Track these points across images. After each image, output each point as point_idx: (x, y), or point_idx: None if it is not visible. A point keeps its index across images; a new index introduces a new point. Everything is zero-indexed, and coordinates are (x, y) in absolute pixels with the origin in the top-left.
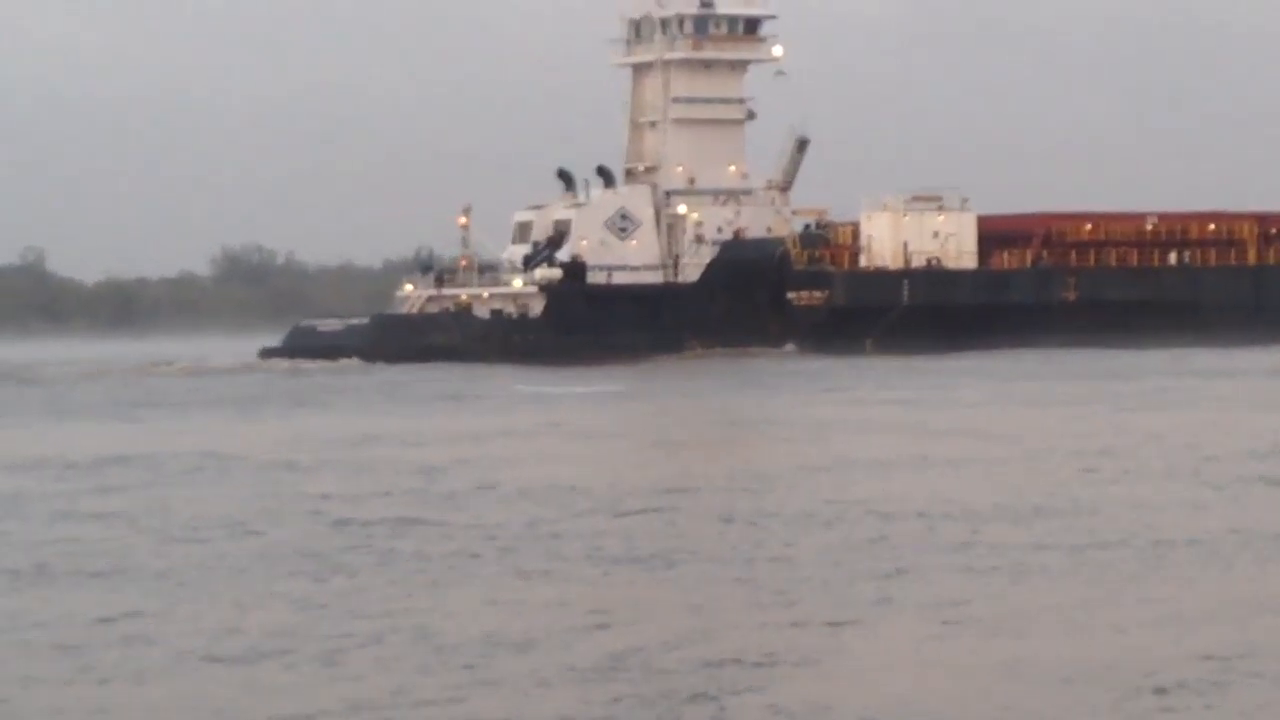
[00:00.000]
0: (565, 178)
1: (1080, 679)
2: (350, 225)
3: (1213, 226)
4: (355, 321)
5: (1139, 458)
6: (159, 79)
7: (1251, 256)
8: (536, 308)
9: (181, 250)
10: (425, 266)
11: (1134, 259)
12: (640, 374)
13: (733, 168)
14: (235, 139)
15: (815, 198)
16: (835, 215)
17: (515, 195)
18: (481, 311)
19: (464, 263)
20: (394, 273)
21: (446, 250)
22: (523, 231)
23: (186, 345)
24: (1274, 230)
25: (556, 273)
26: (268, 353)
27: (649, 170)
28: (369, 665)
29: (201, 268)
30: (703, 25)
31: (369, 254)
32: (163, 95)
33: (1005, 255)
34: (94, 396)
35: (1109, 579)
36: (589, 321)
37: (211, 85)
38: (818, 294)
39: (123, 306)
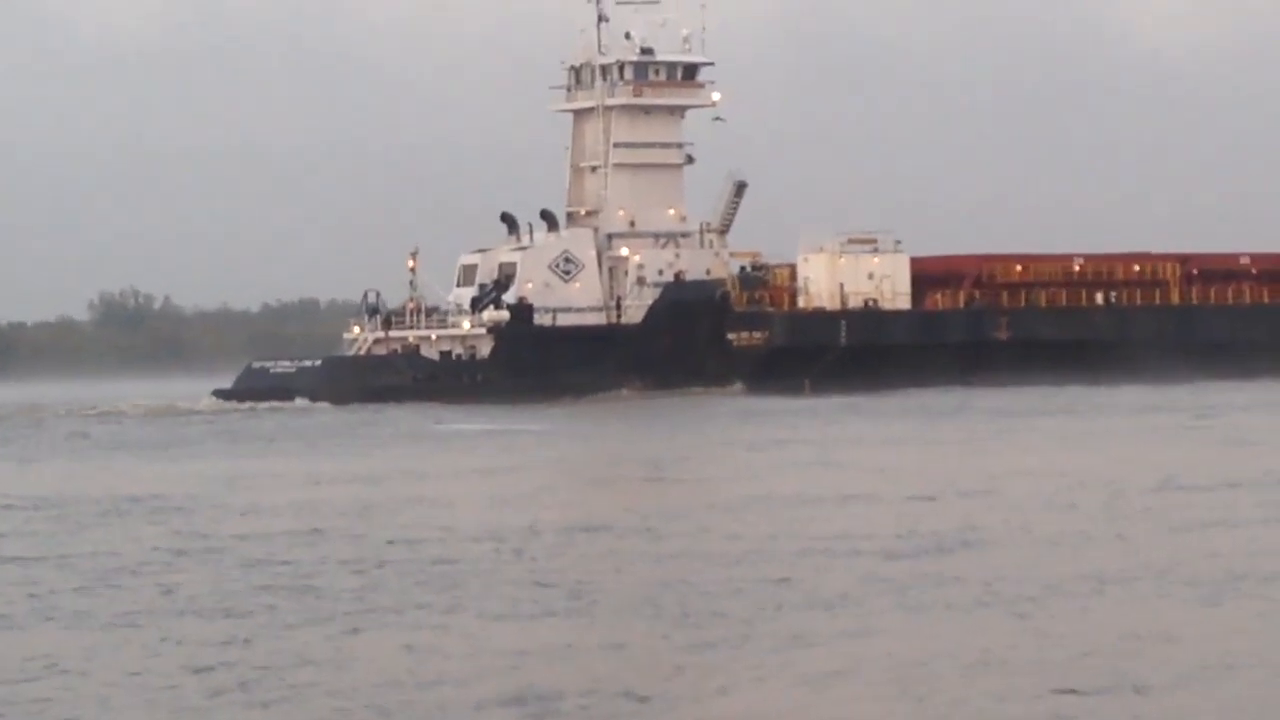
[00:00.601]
0: (509, 221)
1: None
2: (230, 269)
3: (1138, 268)
4: (308, 363)
5: (1008, 496)
6: (38, 123)
7: (1175, 296)
8: (485, 349)
9: (60, 295)
10: (372, 309)
11: (1063, 299)
12: (568, 414)
13: (672, 211)
14: (119, 185)
15: (748, 240)
16: (769, 257)
17: (455, 239)
18: (430, 353)
19: (411, 305)
20: (274, 316)
21: (337, 292)
22: (467, 274)
23: (69, 390)
24: (1195, 271)
25: (504, 314)
26: (221, 394)
27: (590, 214)
28: (276, 702)
29: (80, 312)
30: (643, 71)
31: (246, 299)
32: (39, 140)
33: (939, 296)
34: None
35: (994, 614)
36: (536, 362)
37: (95, 132)
38: (758, 335)
39: (1, 352)
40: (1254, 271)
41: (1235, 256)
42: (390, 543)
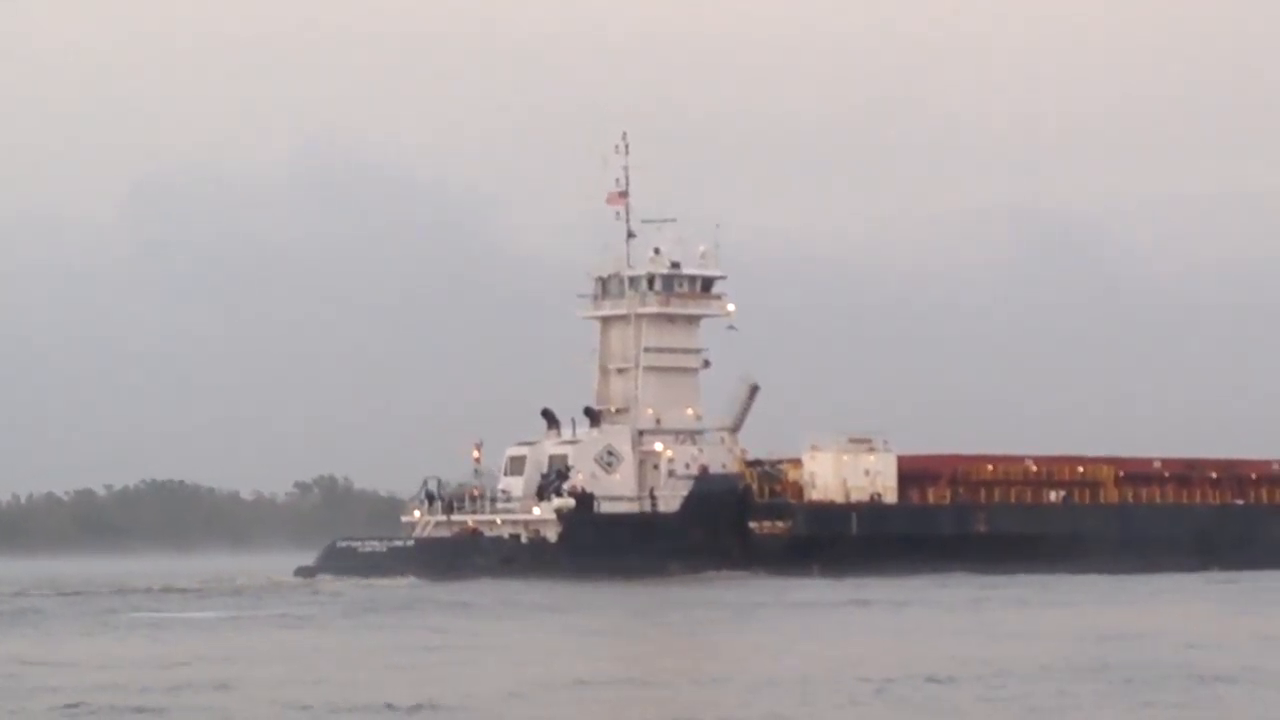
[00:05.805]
0: (549, 417)
1: None
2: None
3: (1081, 469)
4: (398, 543)
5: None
6: None
7: (1114, 496)
8: (549, 533)
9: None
10: (430, 496)
11: (1028, 497)
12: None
13: (690, 410)
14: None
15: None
16: (758, 453)
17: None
18: (498, 535)
19: (476, 491)
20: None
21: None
22: (515, 465)
23: None
24: (1122, 473)
25: (570, 502)
26: (304, 571)
27: (620, 411)
28: None
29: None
30: (669, 284)
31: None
32: None
33: (930, 491)
34: None
35: None
36: (597, 545)
37: None
38: (780, 524)
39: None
40: (1165, 475)
41: (1149, 461)
42: None
